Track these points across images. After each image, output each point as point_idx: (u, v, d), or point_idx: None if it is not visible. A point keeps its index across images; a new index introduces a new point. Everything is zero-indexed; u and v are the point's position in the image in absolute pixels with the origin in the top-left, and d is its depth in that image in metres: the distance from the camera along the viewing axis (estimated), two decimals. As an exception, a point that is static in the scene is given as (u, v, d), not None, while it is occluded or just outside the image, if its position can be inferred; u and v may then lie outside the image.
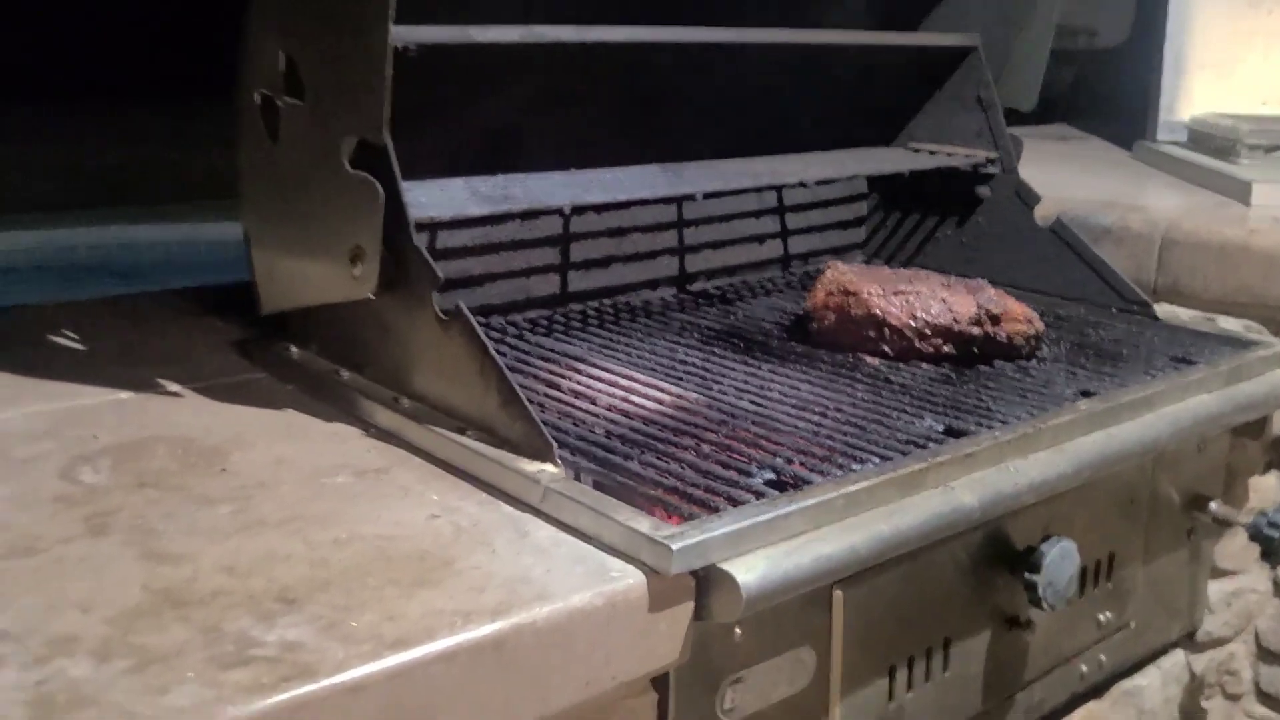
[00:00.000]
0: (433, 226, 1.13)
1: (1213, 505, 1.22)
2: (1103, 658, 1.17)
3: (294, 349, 1.10)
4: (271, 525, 0.78)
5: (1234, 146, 1.79)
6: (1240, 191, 1.62)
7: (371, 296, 0.94)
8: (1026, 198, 1.43)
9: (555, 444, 0.85)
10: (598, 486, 0.84)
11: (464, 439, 0.89)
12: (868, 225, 1.63)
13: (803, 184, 1.26)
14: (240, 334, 1.17)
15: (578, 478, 0.84)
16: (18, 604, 0.67)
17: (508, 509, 0.83)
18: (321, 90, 0.96)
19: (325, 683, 0.61)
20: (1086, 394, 1.07)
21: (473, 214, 1.02)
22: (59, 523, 0.77)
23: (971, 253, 1.50)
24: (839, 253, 1.61)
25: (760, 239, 1.52)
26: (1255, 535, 1.16)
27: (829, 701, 0.90)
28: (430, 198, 1.05)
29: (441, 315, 0.91)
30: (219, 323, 1.22)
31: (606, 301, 1.35)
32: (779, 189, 1.48)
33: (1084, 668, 1.15)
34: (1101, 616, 1.15)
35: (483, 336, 0.88)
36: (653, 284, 1.41)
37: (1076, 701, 1.18)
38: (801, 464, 0.89)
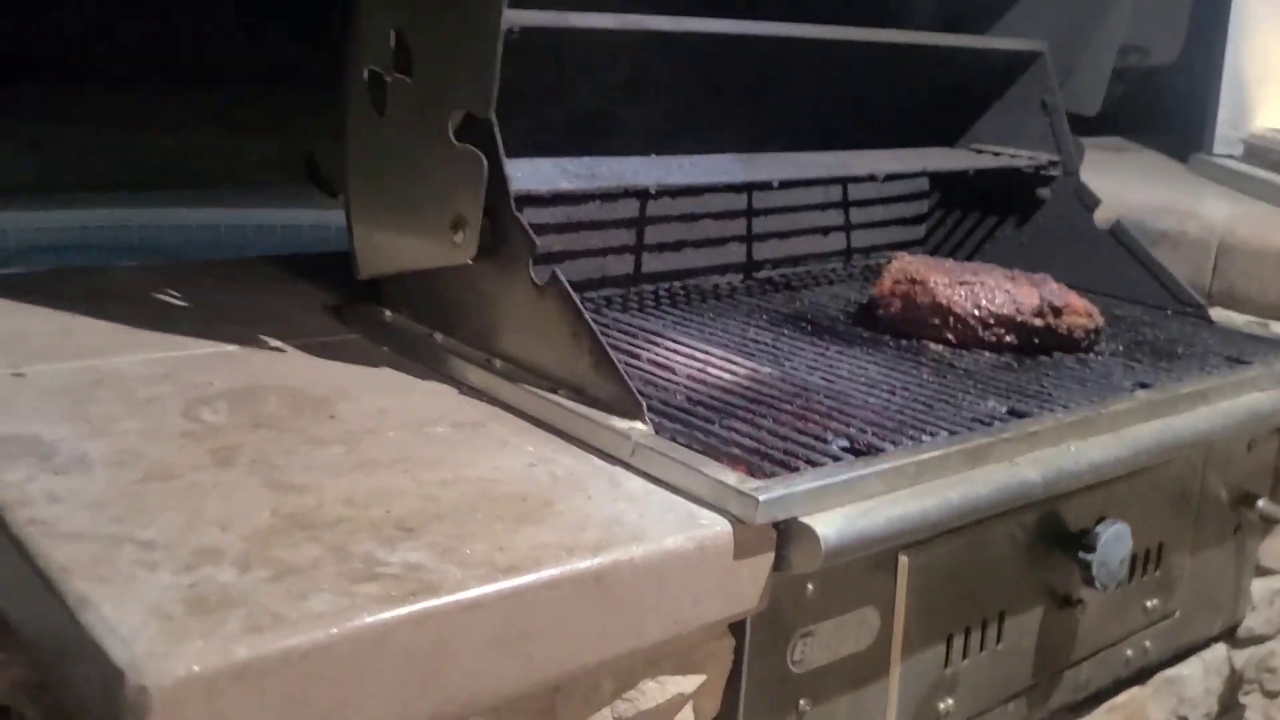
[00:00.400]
0: (525, 200, 1.19)
1: (1260, 503, 1.26)
2: (1148, 644, 1.21)
3: (388, 312, 1.16)
4: (383, 465, 0.83)
5: (1292, 161, 1.83)
6: (1297, 203, 1.66)
7: (470, 262, 1.00)
8: (1087, 200, 1.47)
9: (644, 402, 0.90)
10: (684, 445, 0.89)
11: (556, 397, 0.95)
12: (928, 223, 1.68)
13: (872, 177, 1.31)
14: (333, 299, 1.23)
15: (668, 436, 0.90)
16: (162, 519, 0.73)
17: (599, 462, 0.88)
18: (432, 67, 1.02)
19: (447, 599, 0.67)
20: (1144, 385, 1.11)
21: (565, 189, 1.07)
22: (188, 454, 0.83)
23: (1031, 252, 1.54)
24: (900, 248, 1.65)
25: (825, 231, 1.57)
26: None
27: (890, 661, 0.94)
28: (524, 174, 1.11)
29: (536, 281, 0.97)
30: (311, 288, 1.28)
31: (677, 284, 1.40)
32: (847, 182, 1.53)
33: (1129, 652, 1.19)
34: (1149, 603, 1.19)
35: (577, 301, 0.94)
36: (721, 269, 1.46)
37: (1121, 686, 1.22)
38: (875, 434, 0.94)
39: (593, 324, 0.93)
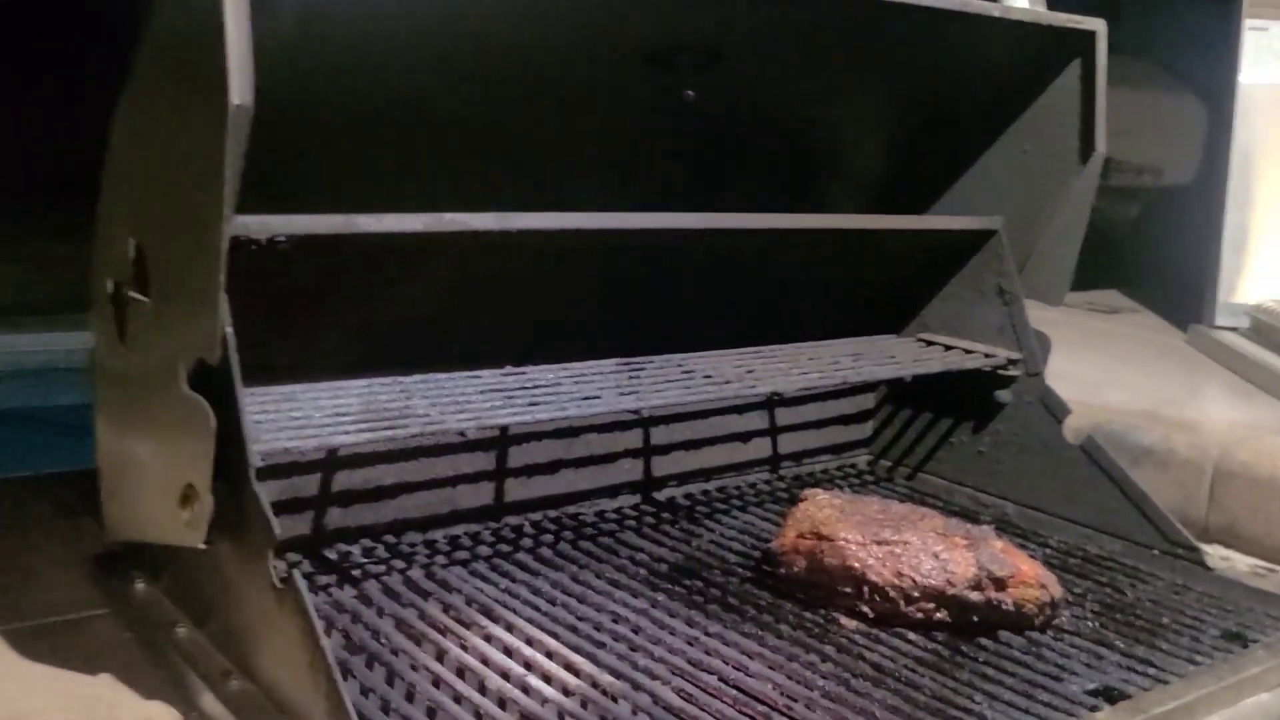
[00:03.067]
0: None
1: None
2: None
3: (139, 584, 0.92)
4: None
5: (1305, 343, 1.58)
6: (1312, 402, 1.41)
7: (202, 546, 0.76)
8: (1054, 409, 1.22)
9: (383, 783, 0.65)
10: None
11: (282, 754, 0.69)
12: (876, 419, 1.43)
13: (777, 395, 1.06)
14: (104, 543, 0.99)
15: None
16: None
17: None
18: (165, 287, 0.79)
19: None
20: (1110, 694, 0.85)
21: (342, 443, 0.83)
22: None
23: (993, 465, 1.29)
24: (840, 451, 1.40)
25: (744, 437, 1.32)
26: None
27: None
28: (304, 412, 0.87)
29: (277, 581, 0.72)
30: (88, 524, 1.04)
31: (551, 514, 1.15)
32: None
33: None
34: None
35: (314, 622, 0.69)
36: (611, 491, 1.21)
37: None
38: (716, 815, 0.68)
39: (329, 653, 0.68)
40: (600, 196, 1.03)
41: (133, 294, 0.82)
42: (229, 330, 0.74)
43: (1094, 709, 0.82)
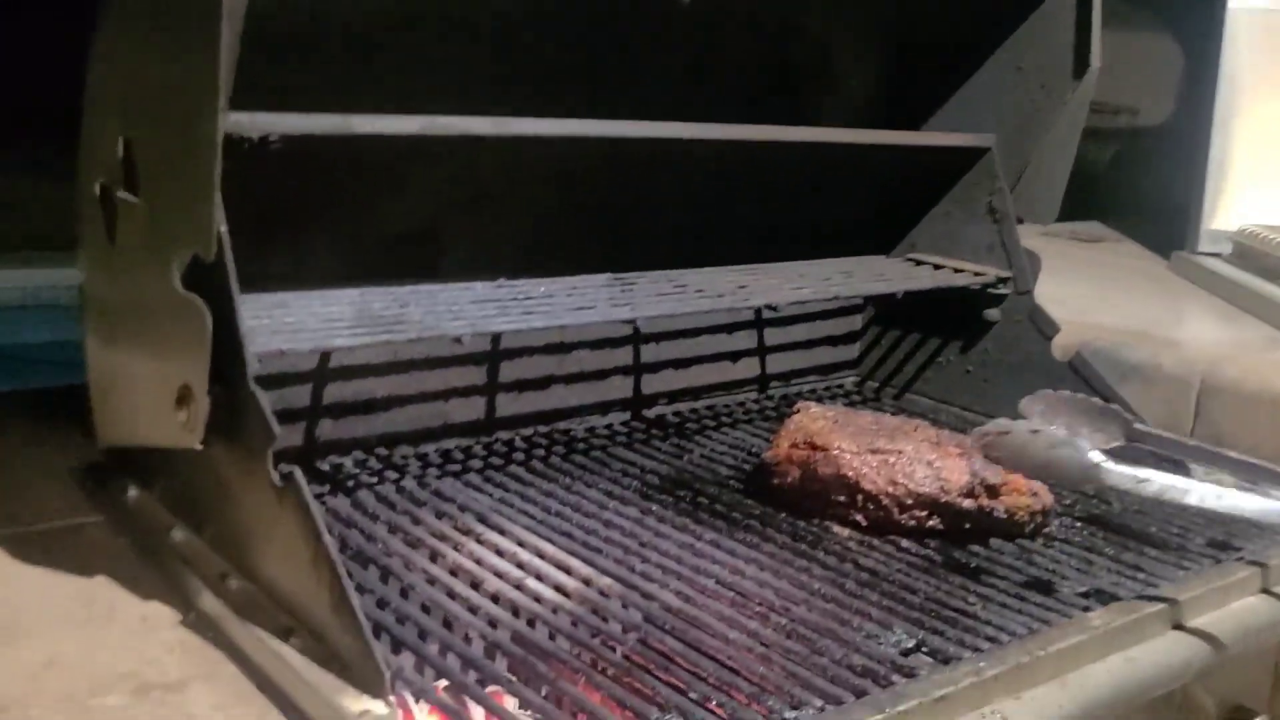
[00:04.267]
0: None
1: (1256, 722, 1.01)
2: None
3: (132, 491, 0.91)
4: (-21, 786, 0.58)
5: (1287, 267, 1.58)
6: (1294, 324, 1.41)
7: (198, 448, 0.75)
8: (1043, 326, 1.22)
9: (389, 674, 0.65)
10: (438, 738, 0.63)
11: (285, 648, 0.69)
12: (862, 341, 1.43)
13: (771, 307, 1.06)
14: (93, 454, 0.98)
15: (416, 722, 0.64)
16: None
17: (316, 762, 0.62)
18: (156, 186, 0.78)
19: None
20: (1101, 596, 0.86)
21: (337, 346, 0.82)
22: None
23: (977, 383, 1.30)
24: (827, 372, 1.41)
25: (734, 356, 1.32)
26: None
27: None
28: (298, 317, 0.86)
29: (277, 481, 0.72)
30: (78, 437, 1.03)
31: (542, 429, 1.15)
32: (754, 312, 1.29)
33: None
34: None
35: (316, 518, 0.68)
36: (602, 408, 1.21)
37: None
38: (719, 706, 0.68)
39: (333, 550, 0.67)
40: (591, 108, 1.02)
41: (122, 194, 0.81)
42: (223, 229, 0.73)
43: (1086, 610, 0.83)
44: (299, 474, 0.70)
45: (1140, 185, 2.34)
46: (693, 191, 1.16)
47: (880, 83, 1.32)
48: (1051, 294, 1.25)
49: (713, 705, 0.68)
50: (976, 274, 1.25)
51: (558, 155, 0.99)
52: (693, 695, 0.69)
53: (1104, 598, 0.86)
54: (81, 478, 0.96)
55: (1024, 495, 0.94)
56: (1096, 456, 0.86)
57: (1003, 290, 1.25)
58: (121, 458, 0.94)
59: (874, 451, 0.95)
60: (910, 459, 0.94)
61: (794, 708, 0.68)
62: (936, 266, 1.29)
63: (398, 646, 0.72)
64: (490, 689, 0.68)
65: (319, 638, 0.69)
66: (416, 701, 0.67)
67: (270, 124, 0.79)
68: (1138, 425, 1.02)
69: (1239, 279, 1.58)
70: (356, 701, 0.64)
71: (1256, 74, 1.83)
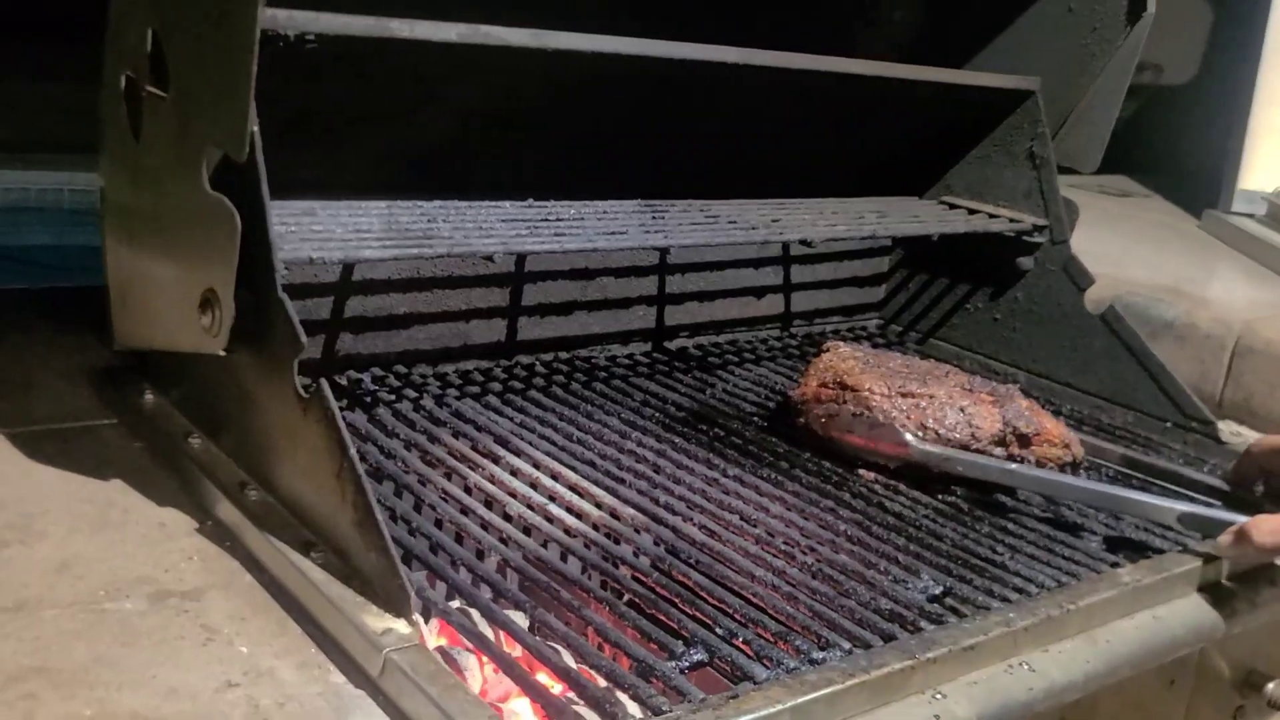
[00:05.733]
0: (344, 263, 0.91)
1: (1270, 687, 0.99)
2: None
3: (149, 395, 0.89)
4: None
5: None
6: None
7: (222, 353, 0.73)
8: (1077, 277, 1.20)
9: (413, 591, 0.63)
10: (460, 660, 0.62)
11: (306, 562, 0.68)
12: (888, 284, 1.40)
13: (805, 242, 1.04)
14: (107, 358, 0.96)
15: (444, 645, 0.63)
16: None
17: (336, 678, 0.61)
18: (186, 82, 0.75)
19: None
20: (1130, 549, 0.84)
21: (366, 257, 0.80)
22: None
23: (1007, 332, 1.27)
24: (851, 313, 1.39)
25: (758, 292, 1.30)
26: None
27: None
28: (326, 226, 0.84)
29: (301, 391, 0.70)
30: (90, 338, 1.01)
31: (563, 355, 1.13)
32: (776, 246, 1.26)
33: None
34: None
35: (342, 429, 0.67)
36: (624, 337, 1.19)
37: None
38: (745, 642, 0.67)
39: (358, 464, 0.66)
40: (627, 31, 0.98)
41: (149, 88, 0.78)
42: (255, 129, 0.70)
43: (1115, 565, 0.82)
44: (325, 386, 0.68)
45: (1166, 142, 2.30)
46: (728, 119, 1.13)
47: (924, 18, 1.28)
48: (1082, 247, 1.22)
49: (739, 641, 0.67)
50: (1013, 220, 1.22)
51: (595, 73, 0.96)
52: (719, 630, 0.68)
53: (1134, 554, 0.84)
54: (97, 379, 0.94)
55: (1056, 446, 0.93)
56: None
57: (1038, 239, 1.23)
58: (137, 361, 0.93)
59: (905, 394, 0.93)
60: (942, 404, 0.92)
61: (822, 648, 0.66)
62: (971, 211, 1.26)
63: (408, 558, 0.71)
64: (510, 612, 0.66)
65: (340, 553, 0.68)
66: (426, 621, 0.66)
67: (307, 22, 0.76)
68: None
69: (1274, 240, 1.55)
70: (379, 620, 0.62)
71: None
